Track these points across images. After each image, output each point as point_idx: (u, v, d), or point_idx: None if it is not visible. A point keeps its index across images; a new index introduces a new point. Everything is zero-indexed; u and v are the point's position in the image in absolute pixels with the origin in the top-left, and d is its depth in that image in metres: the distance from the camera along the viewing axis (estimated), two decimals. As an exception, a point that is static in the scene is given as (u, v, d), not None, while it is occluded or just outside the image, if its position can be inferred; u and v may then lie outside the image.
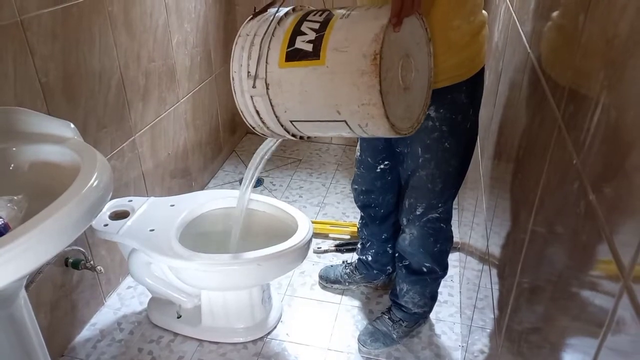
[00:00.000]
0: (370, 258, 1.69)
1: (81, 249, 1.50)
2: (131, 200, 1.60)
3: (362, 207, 1.62)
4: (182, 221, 1.53)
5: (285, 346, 1.57)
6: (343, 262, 1.86)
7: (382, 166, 1.49)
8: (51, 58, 1.35)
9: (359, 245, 1.74)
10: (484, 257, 1.35)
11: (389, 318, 1.58)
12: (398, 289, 1.54)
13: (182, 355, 1.54)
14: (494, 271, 1.17)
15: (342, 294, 1.76)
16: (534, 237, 0.79)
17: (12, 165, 1.03)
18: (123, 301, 1.74)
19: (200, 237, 1.61)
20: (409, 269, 1.48)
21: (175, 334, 1.61)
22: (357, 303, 1.72)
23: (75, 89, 1.46)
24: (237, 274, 1.40)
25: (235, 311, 1.58)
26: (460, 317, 1.65)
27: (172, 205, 1.59)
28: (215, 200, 1.63)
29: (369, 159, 1.50)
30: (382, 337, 1.55)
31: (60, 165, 1.01)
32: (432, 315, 1.66)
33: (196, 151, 2.30)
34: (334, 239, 2.03)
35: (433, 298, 1.57)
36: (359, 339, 1.57)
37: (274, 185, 2.42)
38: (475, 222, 1.58)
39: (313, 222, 2.05)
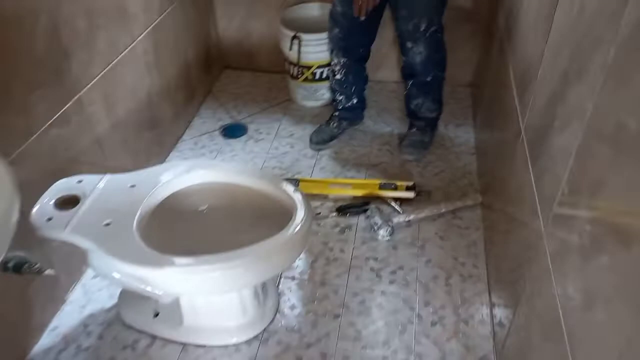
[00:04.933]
0: (356, 100, 1.97)
1: (20, 254, 1.19)
2: (81, 181, 1.27)
3: (346, 51, 1.86)
4: (146, 208, 1.21)
5: (286, 344, 1.32)
6: (321, 125, 2.02)
7: None
8: None
9: (339, 98, 1.97)
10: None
11: (416, 129, 1.92)
12: (414, 105, 1.89)
13: (163, 363, 1.30)
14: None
15: (350, 264, 1.50)
16: None
17: None
18: (89, 295, 1.47)
19: (170, 226, 1.30)
20: (419, 84, 1.83)
21: (154, 337, 1.35)
22: (366, 284, 1.46)
23: (-19, 44, 1.08)
24: (220, 280, 1.11)
25: (222, 307, 1.31)
26: (490, 295, 1.40)
27: (132, 186, 1.26)
28: (185, 174, 1.30)
29: None
30: (419, 144, 1.89)
31: None
32: (457, 294, 1.41)
33: (164, 99, 1.92)
34: (335, 200, 1.73)
35: (441, 102, 1.91)
36: (405, 153, 1.88)
37: (260, 133, 2.07)
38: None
39: (309, 181, 1.76)
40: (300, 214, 1.14)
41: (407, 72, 1.84)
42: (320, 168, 1.88)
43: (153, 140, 1.87)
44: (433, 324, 1.35)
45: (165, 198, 1.27)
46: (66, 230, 1.15)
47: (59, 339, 1.36)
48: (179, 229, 1.32)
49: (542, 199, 0.96)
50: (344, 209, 1.68)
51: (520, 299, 1.08)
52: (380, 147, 1.95)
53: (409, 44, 1.73)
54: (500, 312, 1.29)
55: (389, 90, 2.23)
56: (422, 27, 1.67)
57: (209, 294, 1.25)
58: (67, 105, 1.37)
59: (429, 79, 1.81)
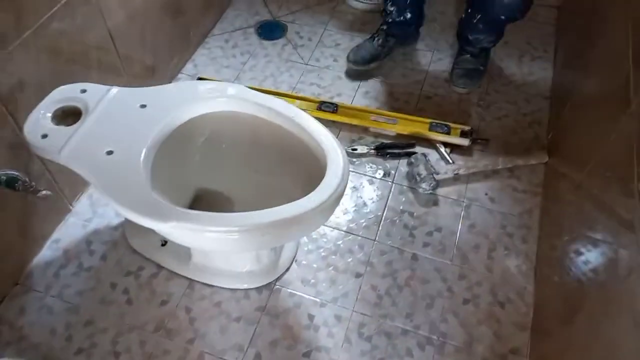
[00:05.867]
0: (409, 15, 1.60)
1: (14, 173, 1.05)
2: (85, 91, 1.08)
3: None
4: (157, 136, 1.02)
5: (299, 299, 1.20)
6: (365, 40, 1.67)
7: None
8: None
9: (390, 8, 1.59)
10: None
11: (470, 55, 1.62)
12: (474, 37, 1.56)
13: (166, 299, 1.20)
14: None
15: (382, 216, 1.33)
16: None
17: None
18: (95, 208, 1.35)
19: (184, 159, 1.14)
20: (491, 21, 1.49)
21: (159, 267, 1.25)
22: (397, 242, 1.29)
23: None
24: (235, 244, 0.95)
25: (234, 254, 1.18)
26: (536, 281, 1.23)
27: (143, 107, 1.06)
28: (206, 99, 1.09)
29: None
30: (474, 73, 1.61)
31: None
32: (498, 270, 1.25)
33: (193, -14, 1.64)
34: (375, 135, 1.51)
35: (503, 33, 1.58)
36: (458, 85, 1.60)
37: (301, 37, 1.80)
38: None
39: (349, 108, 1.52)
40: (334, 177, 0.94)
41: (479, 3, 1.47)
42: (364, 92, 1.63)
43: (177, 34, 1.62)
44: (465, 301, 1.20)
45: (181, 125, 1.08)
46: (62, 154, 0.99)
47: (60, 253, 1.27)
48: (194, 163, 1.15)
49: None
50: (384, 148, 1.46)
51: (580, 308, 0.91)
52: (437, 75, 1.67)
53: None
54: (545, 307, 1.13)
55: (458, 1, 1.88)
56: None
57: (219, 252, 1.11)
58: (72, -8, 1.13)
59: (503, 17, 1.46)
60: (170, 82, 1.64)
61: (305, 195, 1.08)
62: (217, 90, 1.11)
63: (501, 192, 1.38)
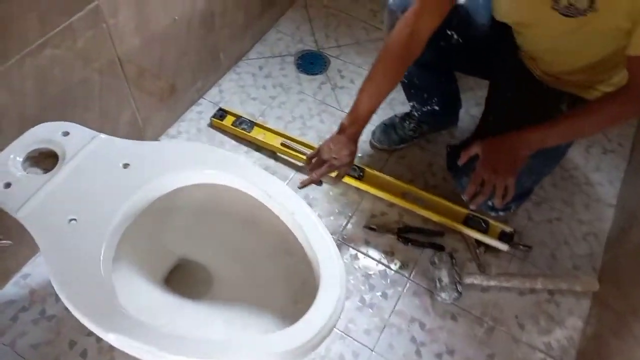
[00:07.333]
0: (437, 107, 1.33)
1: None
2: (68, 133, 0.93)
3: None
4: (134, 208, 0.87)
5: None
6: (396, 116, 1.45)
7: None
8: None
9: (410, 103, 1.36)
10: None
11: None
12: None
13: (124, 373, 1.06)
14: None
15: (388, 320, 1.14)
16: None
17: None
18: (75, 245, 1.22)
19: (163, 232, 0.98)
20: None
21: (125, 332, 1.11)
22: (399, 357, 1.10)
23: None
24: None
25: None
26: None
27: (126, 166, 0.91)
28: (207, 167, 0.93)
29: None
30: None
31: None
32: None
33: (231, 4, 1.46)
34: (401, 213, 1.31)
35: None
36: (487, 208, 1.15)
37: (343, 77, 1.60)
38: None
39: (377, 176, 1.33)
40: (322, 313, 0.76)
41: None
42: (398, 157, 1.42)
43: (205, 55, 1.45)
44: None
45: (165, 194, 0.92)
46: (20, 212, 0.85)
47: (25, 292, 1.15)
48: (176, 234, 1.00)
49: None
50: (407, 232, 1.26)
51: None
52: (487, 152, 1.44)
53: None
54: None
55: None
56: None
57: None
58: (75, 16, 0.98)
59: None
60: (189, 107, 1.48)
61: (293, 303, 0.93)
62: (215, 160, 0.94)
63: (534, 319, 1.16)
